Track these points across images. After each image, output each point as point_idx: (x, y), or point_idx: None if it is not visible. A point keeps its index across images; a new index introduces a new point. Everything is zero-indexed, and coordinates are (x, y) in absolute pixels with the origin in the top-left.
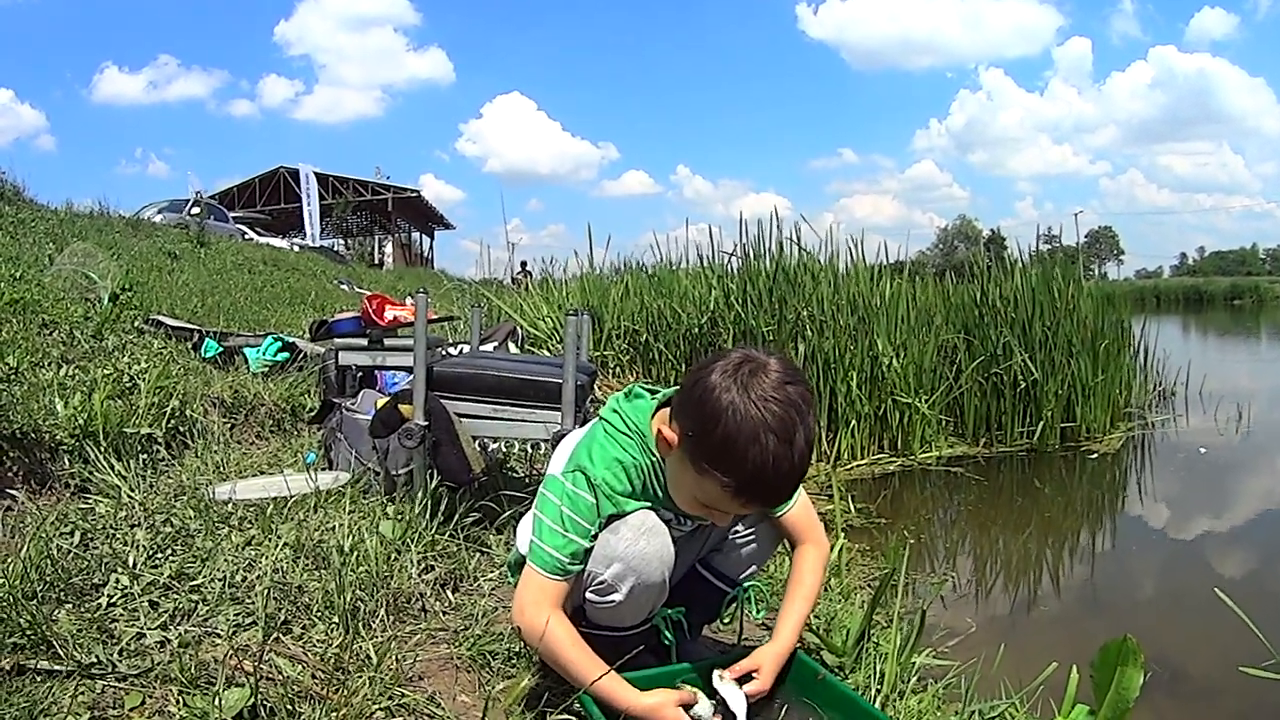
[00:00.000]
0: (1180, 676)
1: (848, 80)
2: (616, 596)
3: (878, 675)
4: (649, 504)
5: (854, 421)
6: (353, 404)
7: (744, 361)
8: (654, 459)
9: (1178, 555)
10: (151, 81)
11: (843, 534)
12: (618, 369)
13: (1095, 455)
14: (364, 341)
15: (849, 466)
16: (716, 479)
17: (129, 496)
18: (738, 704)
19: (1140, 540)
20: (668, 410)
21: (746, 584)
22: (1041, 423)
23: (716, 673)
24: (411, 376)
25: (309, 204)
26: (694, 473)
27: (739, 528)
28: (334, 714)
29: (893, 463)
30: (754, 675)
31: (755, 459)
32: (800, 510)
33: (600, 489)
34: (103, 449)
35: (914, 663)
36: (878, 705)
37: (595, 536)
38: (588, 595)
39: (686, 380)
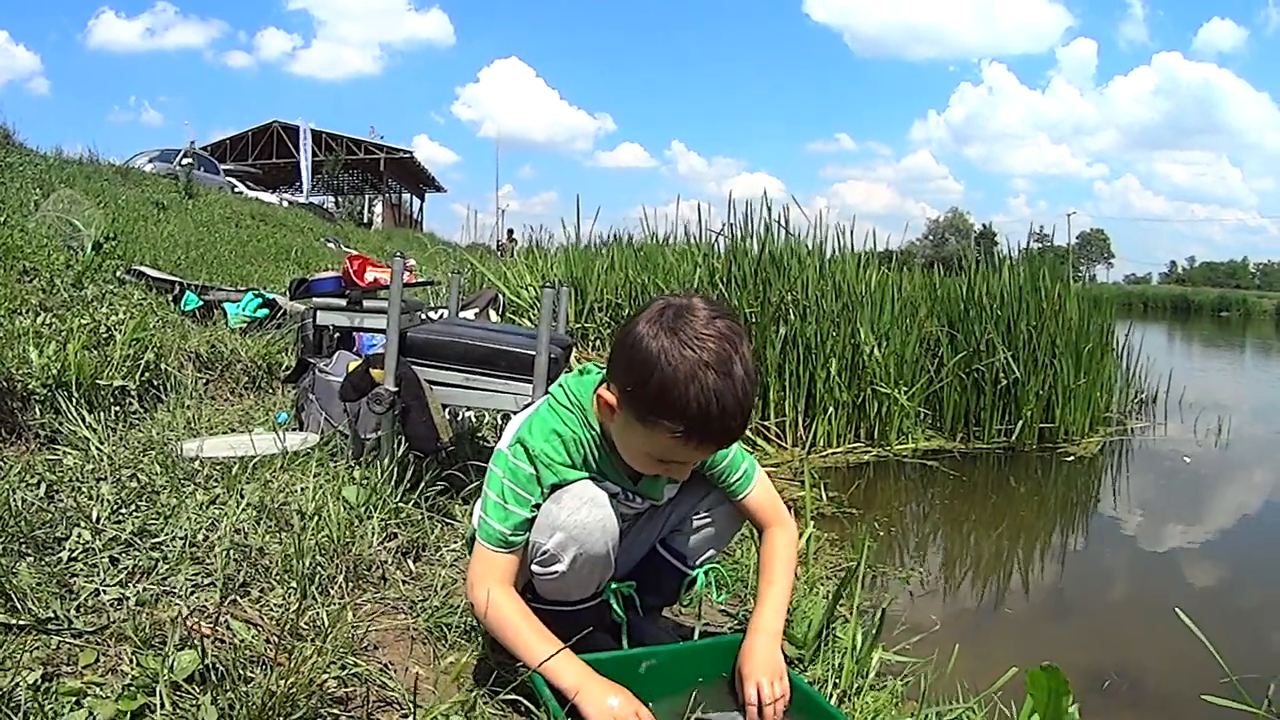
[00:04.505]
0: (1140, 687)
1: (849, 66)
2: (560, 567)
3: (836, 669)
4: (591, 476)
5: (831, 409)
6: (326, 365)
7: (667, 307)
8: (595, 432)
9: (1148, 563)
10: (149, 28)
11: (812, 522)
12: (599, 342)
13: (1072, 458)
14: (342, 302)
15: (824, 454)
16: (664, 428)
17: (97, 449)
18: None
19: (1112, 547)
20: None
21: (707, 566)
22: (1020, 422)
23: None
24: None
25: (306, 160)
26: (642, 429)
27: (699, 510)
28: (284, 680)
29: (868, 452)
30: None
31: (697, 398)
32: (761, 491)
33: (539, 459)
34: (75, 400)
35: (874, 658)
36: (834, 701)
37: (537, 507)
38: (533, 567)
39: (615, 340)
